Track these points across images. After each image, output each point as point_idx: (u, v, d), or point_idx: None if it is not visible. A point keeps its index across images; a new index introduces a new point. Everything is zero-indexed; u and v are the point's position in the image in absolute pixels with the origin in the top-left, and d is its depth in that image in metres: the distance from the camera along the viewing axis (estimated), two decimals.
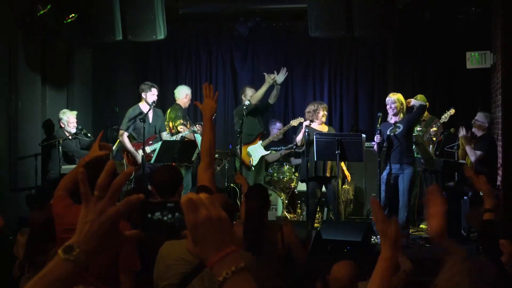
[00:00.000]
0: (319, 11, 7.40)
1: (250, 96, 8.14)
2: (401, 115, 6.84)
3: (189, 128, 7.87)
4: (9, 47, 7.36)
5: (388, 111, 6.91)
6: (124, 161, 7.76)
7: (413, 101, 7.21)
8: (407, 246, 6.50)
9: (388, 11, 7.29)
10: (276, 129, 8.82)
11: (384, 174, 6.87)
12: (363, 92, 9.76)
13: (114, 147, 7.81)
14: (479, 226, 2.87)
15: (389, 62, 9.67)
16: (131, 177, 7.14)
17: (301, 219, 8.02)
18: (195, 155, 7.69)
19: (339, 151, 6.69)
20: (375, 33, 7.95)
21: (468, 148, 7.05)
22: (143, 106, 7.85)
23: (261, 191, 4.30)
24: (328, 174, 7.22)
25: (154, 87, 7.91)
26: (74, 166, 7.28)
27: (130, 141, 7.82)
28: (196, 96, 8.83)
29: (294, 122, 8.27)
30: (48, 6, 7.37)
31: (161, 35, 7.61)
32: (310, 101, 9.85)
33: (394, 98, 6.84)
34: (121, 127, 7.86)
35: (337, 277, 3.53)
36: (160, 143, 7.44)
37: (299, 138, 7.49)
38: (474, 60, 7.70)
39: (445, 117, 7.79)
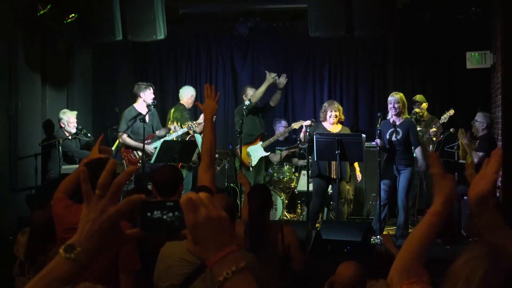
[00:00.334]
0: (319, 11, 7.38)
1: (251, 96, 8.13)
2: (403, 115, 6.82)
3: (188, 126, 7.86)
4: (9, 47, 7.35)
5: (390, 111, 6.82)
6: (124, 161, 7.76)
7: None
8: None
9: (388, 11, 7.28)
10: (282, 127, 8.76)
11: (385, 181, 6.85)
12: (363, 92, 9.75)
13: (113, 148, 7.82)
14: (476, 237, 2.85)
15: (389, 62, 9.66)
16: (132, 177, 7.13)
17: (301, 219, 8.02)
18: (195, 155, 7.69)
19: (339, 151, 6.67)
20: (375, 33, 7.93)
21: (473, 154, 7.00)
22: (139, 107, 7.82)
23: (264, 191, 4.28)
24: (333, 176, 7.12)
25: (150, 86, 7.91)
26: (74, 166, 7.29)
27: None
28: (196, 96, 8.82)
29: (295, 125, 8.21)
30: (48, 6, 7.37)
31: (161, 35, 7.60)
32: (310, 101, 9.91)
33: (397, 98, 6.78)
34: (119, 129, 7.82)
35: (343, 278, 3.52)
36: (160, 142, 7.44)
37: (302, 135, 7.47)
38: (474, 60, 7.70)
39: (444, 117, 7.78)
